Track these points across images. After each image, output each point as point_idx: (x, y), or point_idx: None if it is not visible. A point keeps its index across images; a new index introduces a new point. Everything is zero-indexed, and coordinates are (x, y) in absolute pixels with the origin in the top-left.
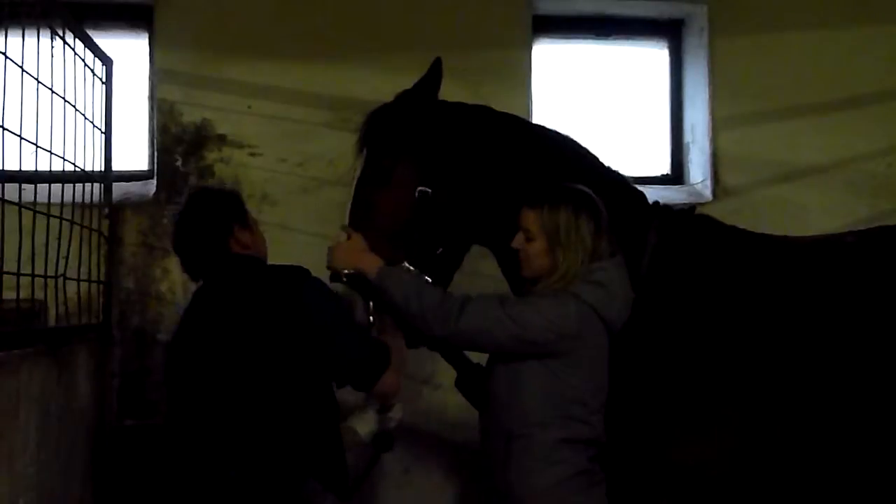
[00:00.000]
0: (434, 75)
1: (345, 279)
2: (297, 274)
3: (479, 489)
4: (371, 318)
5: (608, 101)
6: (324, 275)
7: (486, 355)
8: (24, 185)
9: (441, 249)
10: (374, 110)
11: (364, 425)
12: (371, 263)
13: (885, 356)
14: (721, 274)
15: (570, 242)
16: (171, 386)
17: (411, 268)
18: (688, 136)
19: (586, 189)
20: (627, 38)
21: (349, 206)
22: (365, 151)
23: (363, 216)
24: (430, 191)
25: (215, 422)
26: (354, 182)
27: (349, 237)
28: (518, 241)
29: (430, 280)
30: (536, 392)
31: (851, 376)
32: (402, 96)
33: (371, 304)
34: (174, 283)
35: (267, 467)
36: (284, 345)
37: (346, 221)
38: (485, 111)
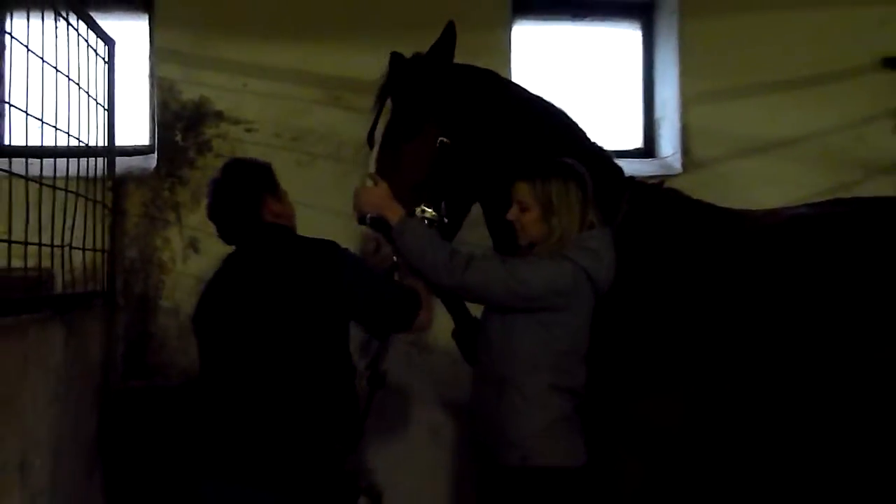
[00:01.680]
0: (449, 37)
1: (368, 221)
2: (333, 245)
3: (471, 436)
4: (395, 257)
5: (584, 79)
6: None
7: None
8: (31, 160)
9: (453, 198)
10: (393, 68)
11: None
12: (394, 211)
13: (825, 319)
14: (681, 243)
15: (562, 210)
16: (204, 343)
17: (427, 214)
18: (659, 112)
19: (574, 162)
20: (602, 20)
21: (374, 155)
22: (391, 105)
23: (390, 166)
24: (448, 141)
25: (255, 376)
26: (380, 134)
27: (375, 184)
28: (513, 213)
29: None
30: (529, 342)
31: (796, 338)
32: (421, 56)
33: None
34: (175, 251)
35: (299, 420)
36: (322, 307)
37: (372, 169)
38: (493, 76)
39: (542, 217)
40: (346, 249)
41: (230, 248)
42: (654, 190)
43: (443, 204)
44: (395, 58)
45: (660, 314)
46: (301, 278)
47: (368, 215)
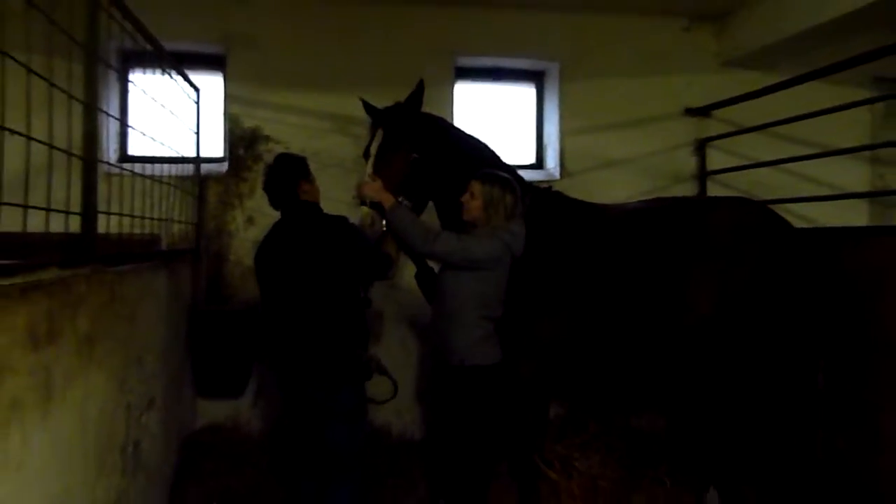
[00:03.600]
0: (420, 90)
1: (369, 204)
2: (344, 220)
3: (430, 346)
4: (384, 228)
5: (500, 119)
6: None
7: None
8: (146, 165)
9: (421, 192)
10: (388, 107)
11: None
12: (387, 199)
13: (648, 267)
14: (562, 224)
15: (497, 206)
16: (262, 281)
17: (405, 203)
18: (546, 140)
19: (510, 177)
20: (511, 82)
21: (371, 162)
22: (381, 132)
23: (382, 169)
24: (418, 156)
25: (298, 302)
26: (375, 149)
27: (373, 180)
28: (465, 197)
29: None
30: (470, 288)
31: (632, 278)
32: (402, 104)
33: (384, 220)
34: (238, 224)
35: (333, 332)
36: (336, 258)
37: (370, 171)
38: (443, 120)
39: (482, 207)
40: (353, 224)
41: (274, 221)
42: (545, 191)
43: (413, 198)
44: (365, 104)
45: (550, 270)
46: (323, 239)
47: (369, 200)
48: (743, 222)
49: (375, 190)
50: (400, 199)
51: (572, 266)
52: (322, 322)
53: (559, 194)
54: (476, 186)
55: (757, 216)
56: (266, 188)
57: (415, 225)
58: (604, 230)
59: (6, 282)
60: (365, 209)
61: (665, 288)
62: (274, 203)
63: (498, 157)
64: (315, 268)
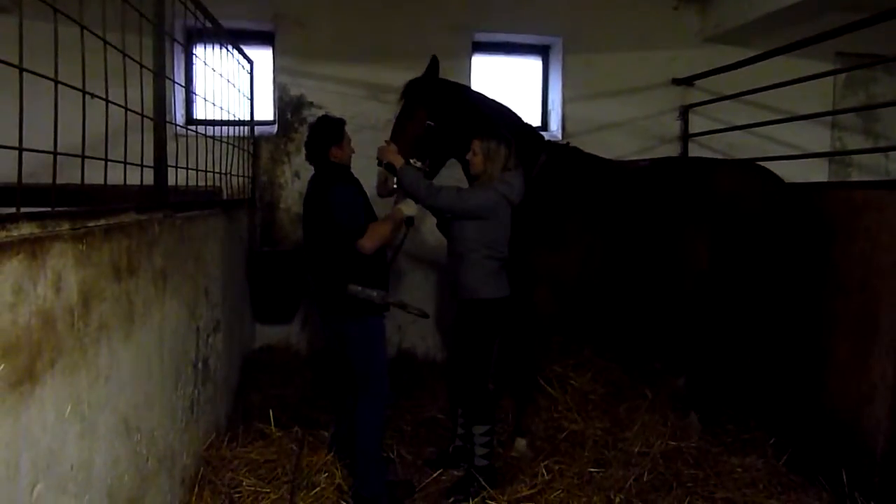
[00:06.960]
0: (434, 64)
1: (384, 165)
2: (346, 192)
3: (447, 281)
4: (395, 185)
5: (511, 88)
6: (369, 168)
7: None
8: (208, 126)
9: (433, 155)
10: (408, 82)
11: (407, 208)
12: (397, 160)
13: (652, 213)
14: (573, 172)
15: (494, 159)
16: (303, 227)
17: (417, 164)
18: (551, 106)
19: (506, 132)
20: (521, 55)
21: (392, 129)
22: (403, 101)
23: (399, 135)
24: (433, 124)
25: (314, 247)
26: (395, 117)
27: (388, 144)
28: (469, 155)
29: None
30: (474, 234)
31: (634, 220)
32: (420, 77)
33: (395, 178)
34: (287, 178)
35: (331, 272)
36: (329, 218)
37: (389, 137)
38: (461, 86)
39: (482, 161)
40: (341, 191)
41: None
42: (564, 146)
43: (427, 159)
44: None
45: (566, 211)
46: (325, 200)
47: (384, 161)
48: (743, 184)
49: (389, 153)
50: (412, 160)
51: (586, 207)
52: (323, 264)
53: (577, 150)
54: (476, 144)
55: (756, 179)
56: (305, 146)
57: (419, 182)
58: (617, 183)
59: (91, 224)
60: (381, 169)
61: (669, 237)
62: (308, 159)
63: (518, 117)
64: (317, 220)
